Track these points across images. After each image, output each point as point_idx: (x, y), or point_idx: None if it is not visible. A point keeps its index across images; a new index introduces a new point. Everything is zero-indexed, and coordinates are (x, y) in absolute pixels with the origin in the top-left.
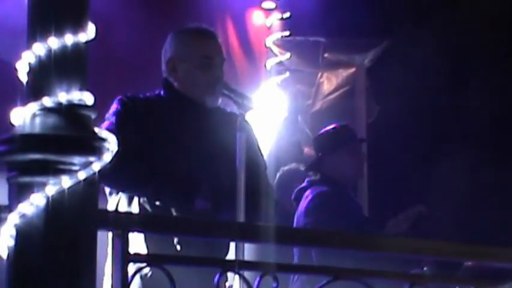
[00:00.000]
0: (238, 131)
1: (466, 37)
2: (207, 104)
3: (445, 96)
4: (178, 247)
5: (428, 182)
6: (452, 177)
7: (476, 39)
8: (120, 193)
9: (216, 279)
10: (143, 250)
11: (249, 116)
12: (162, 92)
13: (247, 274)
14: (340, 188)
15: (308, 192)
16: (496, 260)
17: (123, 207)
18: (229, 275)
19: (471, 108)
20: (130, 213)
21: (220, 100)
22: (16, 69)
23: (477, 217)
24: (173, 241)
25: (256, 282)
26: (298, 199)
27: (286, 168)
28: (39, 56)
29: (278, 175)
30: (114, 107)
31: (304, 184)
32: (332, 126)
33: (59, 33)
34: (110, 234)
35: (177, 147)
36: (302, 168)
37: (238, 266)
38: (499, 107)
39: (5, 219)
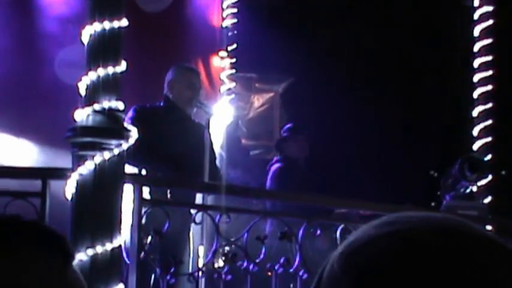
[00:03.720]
0: (206, 129)
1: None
2: (187, 112)
3: (332, 108)
4: (169, 196)
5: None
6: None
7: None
8: None
9: (193, 215)
10: (148, 197)
11: (211, 120)
12: (161, 103)
13: (211, 213)
14: (293, 162)
15: (275, 166)
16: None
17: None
18: (200, 214)
19: (358, 117)
20: (144, 175)
21: (195, 110)
22: (78, 87)
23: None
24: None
25: (217, 218)
26: (269, 168)
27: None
28: (92, 80)
29: None
30: (130, 113)
31: (274, 160)
32: (288, 126)
33: (105, 65)
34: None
35: (169, 139)
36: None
37: (205, 208)
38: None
39: (70, 176)
